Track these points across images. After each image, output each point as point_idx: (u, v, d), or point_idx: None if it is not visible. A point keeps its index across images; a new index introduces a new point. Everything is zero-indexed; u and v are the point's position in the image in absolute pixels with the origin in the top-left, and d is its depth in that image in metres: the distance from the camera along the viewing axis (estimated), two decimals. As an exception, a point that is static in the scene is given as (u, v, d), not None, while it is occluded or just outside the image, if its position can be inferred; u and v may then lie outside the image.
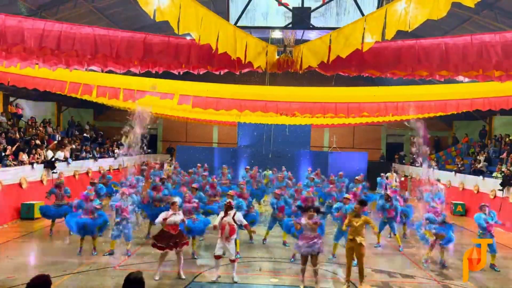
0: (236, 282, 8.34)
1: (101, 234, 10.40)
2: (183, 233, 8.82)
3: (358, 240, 8.01)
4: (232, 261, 8.50)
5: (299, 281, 8.27)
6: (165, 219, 8.38)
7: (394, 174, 17.35)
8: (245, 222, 8.64)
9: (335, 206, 10.62)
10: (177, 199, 9.03)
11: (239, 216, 8.55)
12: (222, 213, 8.51)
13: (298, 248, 8.19)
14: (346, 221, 8.34)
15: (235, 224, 8.39)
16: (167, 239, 8.35)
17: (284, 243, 11.34)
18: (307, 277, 8.22)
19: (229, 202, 8.77)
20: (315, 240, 7.98)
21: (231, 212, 8.44)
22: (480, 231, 9.85)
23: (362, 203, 8.56)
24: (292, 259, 9.94)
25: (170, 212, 8.55)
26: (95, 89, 12.43)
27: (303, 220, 8.18)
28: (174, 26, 6.28)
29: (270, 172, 18.97)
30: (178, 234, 8.50)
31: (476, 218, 9.88)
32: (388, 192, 12.41)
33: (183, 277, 8.47)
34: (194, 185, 11.89)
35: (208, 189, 13.45)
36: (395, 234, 11.67)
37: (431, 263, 10.05)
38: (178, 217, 8.56)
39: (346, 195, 10.68)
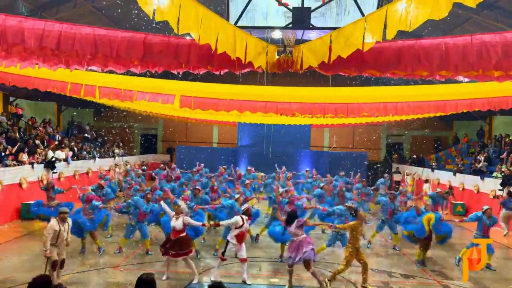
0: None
1: (106, 229, 10.48)
2: (188, 238, 8.40)
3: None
4: (242, 260, 8.37)
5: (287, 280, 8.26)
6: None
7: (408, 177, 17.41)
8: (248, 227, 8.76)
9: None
10: (181, 203, 8.83)
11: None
12: (239, 218, 8.32)
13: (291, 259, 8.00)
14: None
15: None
16: (169, 245, 8.20)
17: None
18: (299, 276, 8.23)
19: (248, 207, 8.67)
20: (305, 249, 7.85)
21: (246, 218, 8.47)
22: (476, 232, 9.80)
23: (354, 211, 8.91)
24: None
25: (173, 216, 8.40)
26: (97, 89, 12.40)
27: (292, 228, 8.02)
28: (174, 26, 6.27)
29: (262, 173, 18.47)
30: (178, 240, 8.17)
31: (473, 217, 9.81)
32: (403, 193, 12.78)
33: (196, 280, 8.30)
34: (198, 187, 11.83)
35: (209, 191, 12.98)
36: (396, 234, 11.55)
37: (431, 263, 10.06)
38: (177, 222, 8.22)
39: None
